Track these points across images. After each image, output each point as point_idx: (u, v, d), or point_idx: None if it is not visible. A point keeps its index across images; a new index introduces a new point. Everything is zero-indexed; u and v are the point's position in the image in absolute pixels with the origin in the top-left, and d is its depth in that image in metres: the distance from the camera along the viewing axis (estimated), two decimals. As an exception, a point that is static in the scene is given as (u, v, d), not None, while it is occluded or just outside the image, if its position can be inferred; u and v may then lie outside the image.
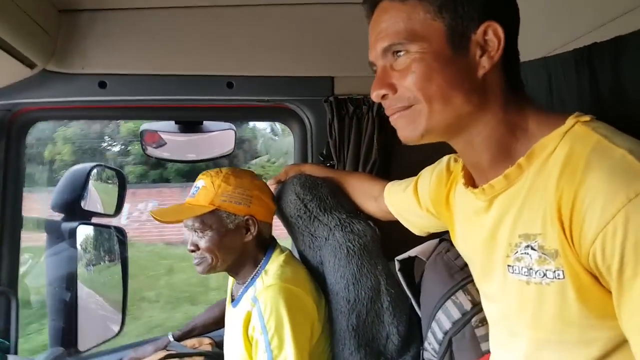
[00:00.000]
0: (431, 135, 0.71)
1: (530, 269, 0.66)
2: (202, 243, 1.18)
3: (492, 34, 0.67)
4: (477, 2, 0.67)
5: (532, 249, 0.66)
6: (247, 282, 1.22)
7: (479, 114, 0.70)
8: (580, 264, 0.61)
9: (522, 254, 0.68)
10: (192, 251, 1.20)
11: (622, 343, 0.62)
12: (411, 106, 0.70)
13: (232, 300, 1.27)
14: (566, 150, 0.64)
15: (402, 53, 0.68)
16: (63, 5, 1.37)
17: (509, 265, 0.70)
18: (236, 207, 1.19)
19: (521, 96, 0.72)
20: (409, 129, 0.71)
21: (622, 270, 0.57)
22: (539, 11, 1.01)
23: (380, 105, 1.38)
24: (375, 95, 0.72)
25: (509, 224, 0.70)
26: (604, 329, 0.63)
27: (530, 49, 0.99)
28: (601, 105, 0.79)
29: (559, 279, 0.63)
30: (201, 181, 1.21)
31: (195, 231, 1.19)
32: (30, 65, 1.34)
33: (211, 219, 1.18)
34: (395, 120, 0.73)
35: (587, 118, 0.66)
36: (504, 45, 0.67)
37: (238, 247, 1.21)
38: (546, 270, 0.65)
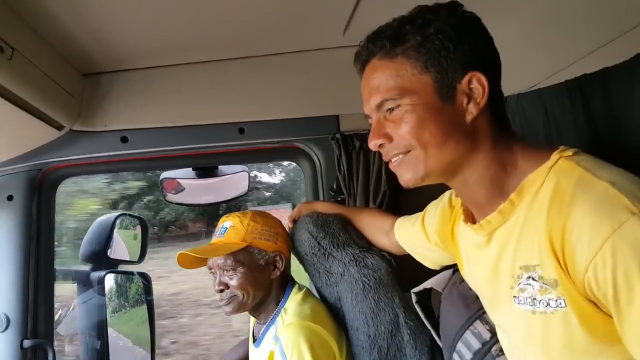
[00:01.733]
0: (430, 177, 0.74)
1: (534, 298, 0.68)
2: (234, 281, 1.20)
3: (476, 82, 0.71)
4: (460, 55, 0.70)
5: (533, 279, 0.67)
6: (268, 321, 1.23)
7: (472, 155, 0.73)
8: (579, 292, 0.63)
9: (524, 284, 0.69)
10: (221, 291, 1.21)
11: None
12: (408, 152, 0.74)
13: (254, 340, 1.28)
14: (552, 185, 0.66)
15: (394, 107, 0.73)
16: (86, 70, 1.48)
17: (514, 297, 0.71)
18: (266, 244, 1.23)
19: (508, 134, 0.75)
20: (410, 174, 0.74)
21: (618, 298, 0.58)
22: (528, 42, 1.04)
23: None
24: (372, 145, 0.76)
25: (509, 256, 0.72)
26: (613, 354, 0.63)
27: (523, 78, 1.02)
28: (596, 132, 0.80)
29: (561, 307, 0.65)
30: (228, 222, 1.25)
31: (226, 269, 1.20)
32: (59, 127, 1.44)
33: (243, 256, 1.20)
34: (395, 167, 0.77)
35: (570, 152, 0.68)
36: (489, 91, 0.70)
37: (267, 284, 1.23)
38: (549, 299, 0.66)
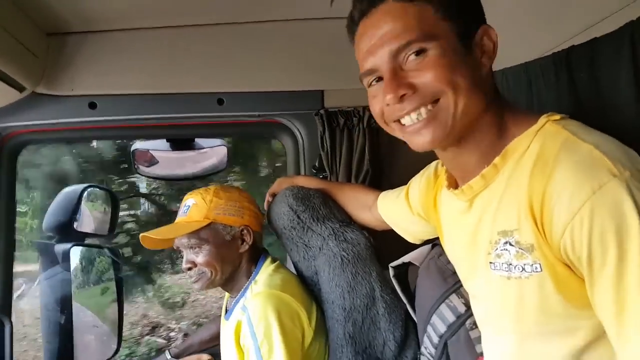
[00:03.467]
0: (451, 136, 0.68)
1: (510, 264, 0.67)
2: (200, 258, 1.17)
3: (487, 36, 0.69)
4: (473, 8, 0.69)
5: (510, 244, 0.67)
6: (239, 294, 1.21)
7: (484, 112, 0.69)
8: (555, 256, 0.62)
9: (501, 250, 0.68)
10: (189, 269, 1.19)
11: (603, 332, 0.61)
12: (435, 103, 0.66)
13: (226, 313, 1.26)
14: (538, 148, 0.65)
15: (417, 52, 0.65)
16: (51, 29, 1.36)
17: (490, 262, 0.71)
18: (230, 219, 1.20)
19: (501, 97, 0.73)
20: (439, 129, 0.67)
21: (591, 261, 0.57)
22: (519, 19, 1.03)
23: (370, 116, 1.42)
24: (391, 98, 0.67)
25: (488, 222, 0.71)
26: (585, 318, 0.63)
27: (512, 55, 1.01)
28: (579, 107, 0.80)
29: (536, 272, 0.64)
30: (191, 199, 1.22)
31: (192, 247, 1.18)
32: (20, 89, 1.32)
33: (207, 233, 1.18)
34: (417, 127, 0.68)
35: (557, 117, 0.67)
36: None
37: (235, 259, 1.21)
38: (524, 264, 0.65)
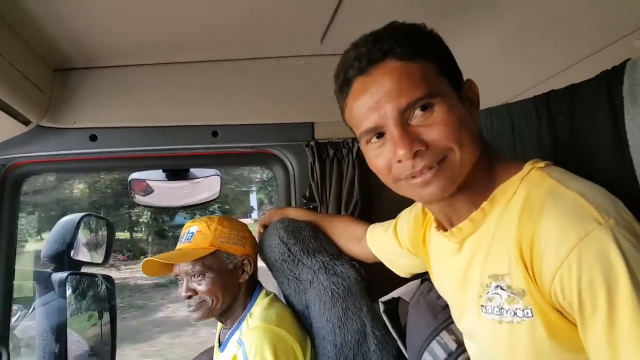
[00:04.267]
0: (460, 186, 0.68)
1: (502, 308, 0.67)
2: (202, 286, 1.16)
3: (472, 89, 0.71)
4: (456, 64, 0.71)
5: (502, 288, 0.66)
6: (234, 326, 1.20)
7: (479, 161, 0.70)
8: (546, 301, 0.62)
9: (492, 294, 0.68)
10: (189, 297, 1.17)
11: None
12: (444, 158, 0.66)
13: (220, 345, 1.24)
14: (524, 195, 0.65)
15: (424, 108, 0.65)
16: (57, 65, 1.40)
17: (482, 305, 0.70)
18: (234, 248, 1.21)
19: (487, 143, 0.74)
20: (448, 182, 0.66)
21: (582, 307, 0.57)
22: (501, 58, 1.05)
23: (359, 148, 1.43)
24: (405, 154, 0.64)
25: (479, 264, 0.71)
26: None
27: (493, 94, 1.02)
28: (559, 148, 0.80)
29: (528, 317, 0.64)
30: (195, 227, 1.22)
31: (194, 275, 1.17)
32: (25, 122, 1.35)
33: (212, 261, 1.17)
34: (427, 179, 0.66)
35: (542, 164, 0.68)
36: None
37: (235, 288, 1.20)
38: (516, 309, 0.65)
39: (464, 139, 0.65)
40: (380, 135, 0.68)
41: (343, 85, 0.71)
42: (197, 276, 1.16)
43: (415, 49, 0.66)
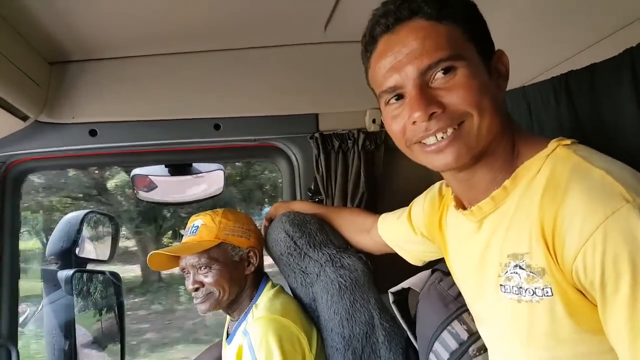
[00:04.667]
0: (473, 157, 0.66)
1: (520, 287, 0.66)
2: (209, 278, 1.17)
3: (502, 61, 0.69)
4: (487, 33, 0.69)
5: (521, 268, 0.65)
6: (240, 318, 1.21)
7: (502, 135, 0.68)
8: (566, 280, 0.61)
9: (511, 273, 0.67)
10: (196, 289, 1.18)
11: (614, 357, 0.59)
12: (462, 123, 0.65)
13: (227, 337, 1.25)
14: (548, 172, 0.63)
15: (445, 71, 0.64)
16: (53, 58, 1.37)
17: (500, 285, 0.69)
18: (239, 240, 1.21)
19: (511, 120, 0.72)
20: (465, 149, 0.65)
21: (604, 285, 0.56)
22: (517, 40, 1.00)
23: (365, 139, 1.42)
24: (420, 116, 0.64)
25: (498, 244, 0.69)
26: (595, 343, 0.61)
27: (510, 76, 0.98)
28: (579, 131, 0.77)
29: (547, 296, 0.63)
30: (199, 220, 1.22)
31: (200, 268, 1.18)
32: (23, 118, 1.32)
33: (217, 253, 1.18)
34: (442, 146, 0.65)
35: (568, 142, 0.66)
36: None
37: (241, 280, 1.21)
38: (535, 288, 0.64)
39: (485, 106, 0.63)
40: (399, 97, 0.67)
41: (368, 44, 0.70)
42: (204, 268, 1.17)
43: (445, 11, 0.64)
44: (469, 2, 0.68)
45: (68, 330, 1.68)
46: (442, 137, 0.65)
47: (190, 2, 1.13)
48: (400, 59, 0.65)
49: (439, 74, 0.64)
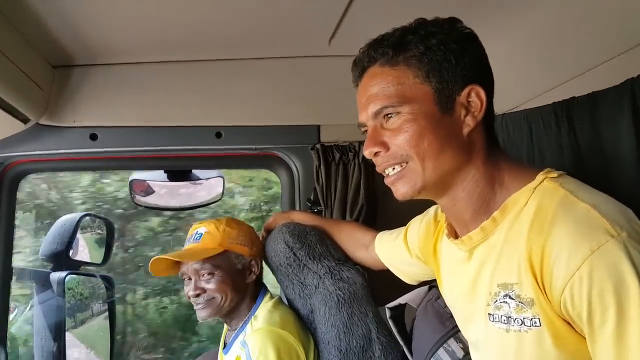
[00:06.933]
0: (425, 190, 0.70)
1: (509, 317, 0.66)
2: (212, 284, 1.15)
3: (474, 96, 0.69)
4: (460, 68, 0.68)
5: (510, 297, 0.66)
6: (239, 327, 1.19)
7: (465, 168, 0.70)
8: (554, 311, 0.62)
9: (501, 302, 0.67)
10: (197, 295, 1.16)
11: None
12: (404, 163, 0.70)
13: (224, 347, 1.23)
14: (535, 205, 0.64)
15: (393, 114, 0.69)
16: (57, 61, 1.34)
17: (489, 314, 0.70)
18: (242, 249, 1.20)
19: (498, 151, 0.73)
20: (407, 187, 0.70)
21: (591, 318, 0.57)
22: (517, 63, 1.01)
23: None
24: (368, 153, 0.72)
25: (488, 273, 0.70)
26: None
27: (511, 98, 0.98)
28: (580, 157, 0.77)
29: (536, 326, 0.63)
30: (202, 228, 1.21)
31: (203, 274, 1.16)
32: (24, 120, 1.30)
33: (221, 260, 1.17)
34: (391, 182, 0.72)
35: (555, 174, 0.67)
36: (485, 105, 0.68)
37: (243, 288, 1.20)
38: (524, 318, 0.64)
39: (424, 149, 0.67)
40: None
41: (355, 83, 0.77)
42: (207, 275, 1.15)
43: (401, 54, 0.69)
44: (442, 37, 0.68)
45: (57, 332, 1.64)
46: (392, 172, 0.71)
47: (196, 11, 1.12)
48: (363, 102, 0.72)
49: (386, 118, 0.70)
